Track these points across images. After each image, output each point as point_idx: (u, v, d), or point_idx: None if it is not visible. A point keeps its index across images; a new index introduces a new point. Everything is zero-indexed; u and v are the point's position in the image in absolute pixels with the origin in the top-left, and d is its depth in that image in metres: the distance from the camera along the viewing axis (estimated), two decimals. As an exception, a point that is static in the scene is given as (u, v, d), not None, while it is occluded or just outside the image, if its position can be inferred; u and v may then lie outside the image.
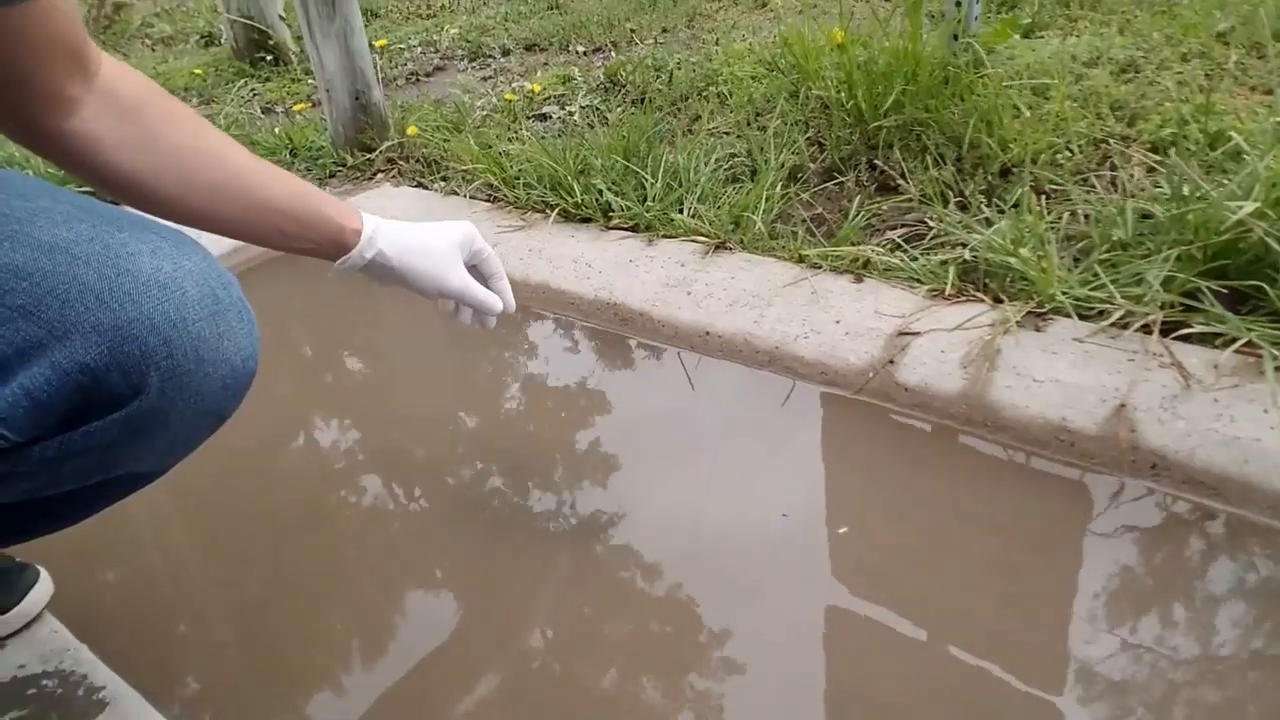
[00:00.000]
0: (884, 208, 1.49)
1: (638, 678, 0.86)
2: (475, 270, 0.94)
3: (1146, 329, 1.06)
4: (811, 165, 1.68)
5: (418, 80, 2.81)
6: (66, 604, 0.97)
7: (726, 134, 1.83)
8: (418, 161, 2.00)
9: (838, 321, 1.22)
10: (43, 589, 0.95)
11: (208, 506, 1.18)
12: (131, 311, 0.58)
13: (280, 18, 3.06)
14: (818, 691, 0.82)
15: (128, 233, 0.61)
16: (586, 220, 1.62)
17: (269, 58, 3.03)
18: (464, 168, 1.85)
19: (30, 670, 0.89)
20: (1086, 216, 1.30)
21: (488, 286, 0.94)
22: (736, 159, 1.71)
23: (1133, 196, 1.28)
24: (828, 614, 0.90)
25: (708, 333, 1.30)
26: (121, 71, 0.70)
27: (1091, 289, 1.12)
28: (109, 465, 0.66)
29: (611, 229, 1.57)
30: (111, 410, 0.60)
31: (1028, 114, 1.55)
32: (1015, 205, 1.31)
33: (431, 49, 3.04)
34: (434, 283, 0.88)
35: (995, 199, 1.40)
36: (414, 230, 0.87)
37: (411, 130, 2.03)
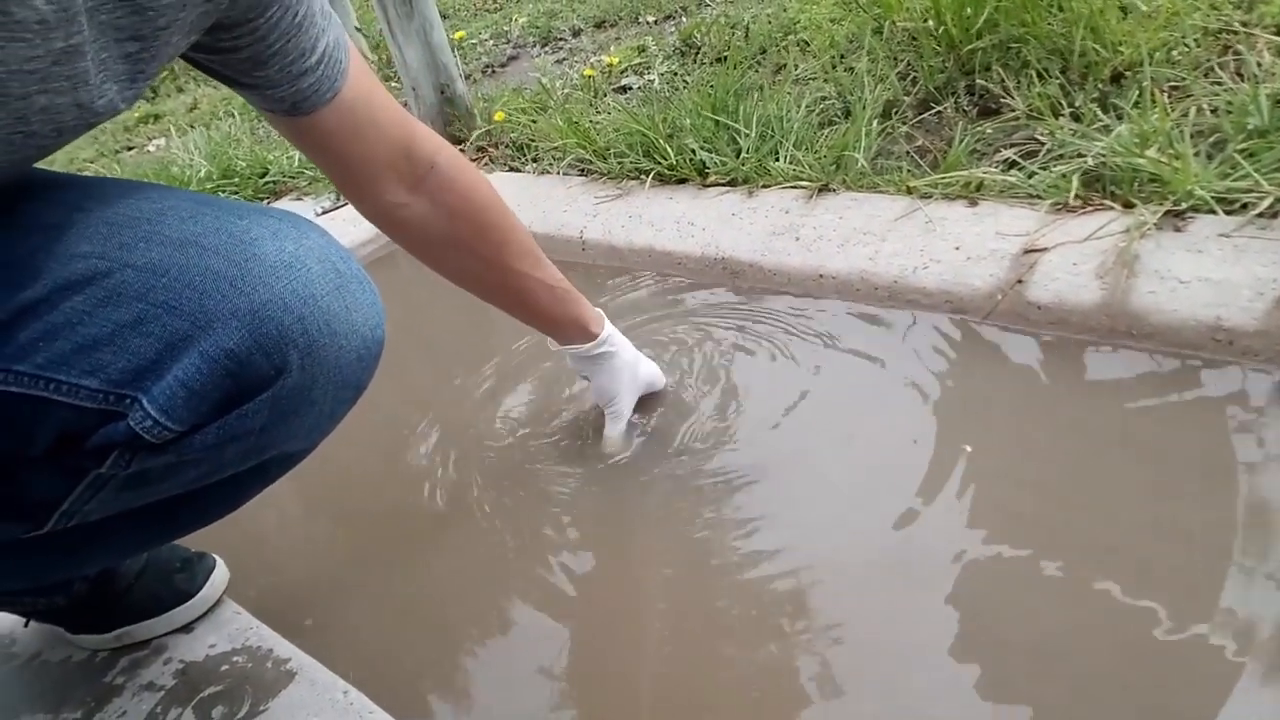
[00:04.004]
0: (989, 130, 1.44)
1: (769, 610, 0.86)
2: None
3: (1300, 214, 1.00)
4: (906, 99, 1.63)
5: (493, 72, 2.85)
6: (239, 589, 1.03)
7: (812, 79, 1.80)
8: (507, 146, 2.03)
9: (957, 248, 1.19)
10: (221, 574, 1.01)
11: (343, 497, 1.23)
12: (264, 294, 0.61)
13: (357, 29, 3.14)
14: (959, 629, 0.80)
15: (248, 219, 0.64)
16: (682, 181, 1.62)
17: (350, 69, 3.12)
18: (554, 146, 1.87)
19: (220, 649, 0.94)
20: (1215, 110, 1.23)
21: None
22: (827, 102, 1.67)
23: (1263, 82, 1.20)
24: (966, 545, 0.87)
25: (821, 275, 1.28)
26: (454, 175, 0.91)
27: (1233, 180, 1.06)
28: (264, 447, 0.70)
29: (709, 186, 1.57)
30: (260, 392, 0.63)
31: (1136, 12, 1.47)
32: (1136, 106, 1.25)
33: (503, 40, 3.08)
34: (617, 393, 1.11)
35: (1110, 105, 1.33)
36: (629, 351, 1.11)
37: (499, 116, 2.06)
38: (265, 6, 0.68)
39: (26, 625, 1.01)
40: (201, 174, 2.33)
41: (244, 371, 0.61)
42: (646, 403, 1.18)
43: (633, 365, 1.11)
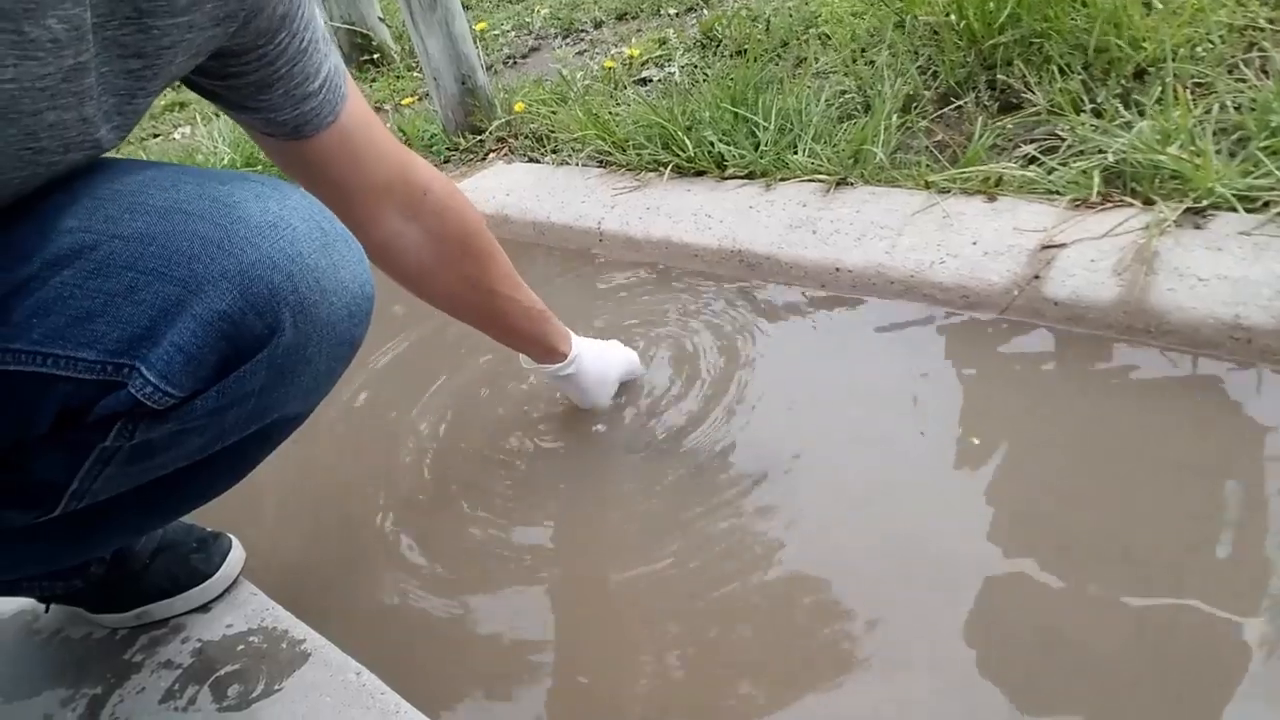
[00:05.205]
0: (1009, 125, 1.43)
1: (773, 603, 0.87)
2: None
3: (1323, 213, 0.99)
4: (926, 93, 1.62)
5: (514, 63, 2.86)
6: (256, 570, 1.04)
7: (833, 73, 1.79)
8: (527, 137, 2.04)
9: (974, 242, 1.19)
10: (237, 554, 1.02)
11: (356, 484, 1.24)
12: (252, 254, 0.61)
13: (380, 19, 3.16)
14: (966, 626, 0.79)
15: (229, 184, 0.65)
16: (701, 173, 1.62)
17: (374, 58, 3.14)
18: (573, 137, 1.88)
19: (237, 629, 0.96)
20: (1238, 107, 1.22)
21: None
22: (847, 96, 1.67)
23: (1289, 80, 1.19)
24: (972, 540, 0.87)
25: (837, 269, 1.28)
26: (447, 201, 0.93)
27: (1255, 178, 1.05)
28: (265, 409, 0.70)
29: (727, 179, 1.57)
30: (255, 352, 0.64)
31: (1160, 8, 1.45)
32: (1158, 102, 1.24)
33: (525, 31, 3.08)
34: (595, 397, 1.17)
35: (1132, 102, 1.32)
36: (600, 362, 1.15)
37: (519, 107, 2.07)
38: (275, 32, 0.69)
39: (47, 610, 1.03)
40: (225, 161, 2.35)
41: (238, 332, 0.62)
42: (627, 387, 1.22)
43: (602, 376, 1.16)
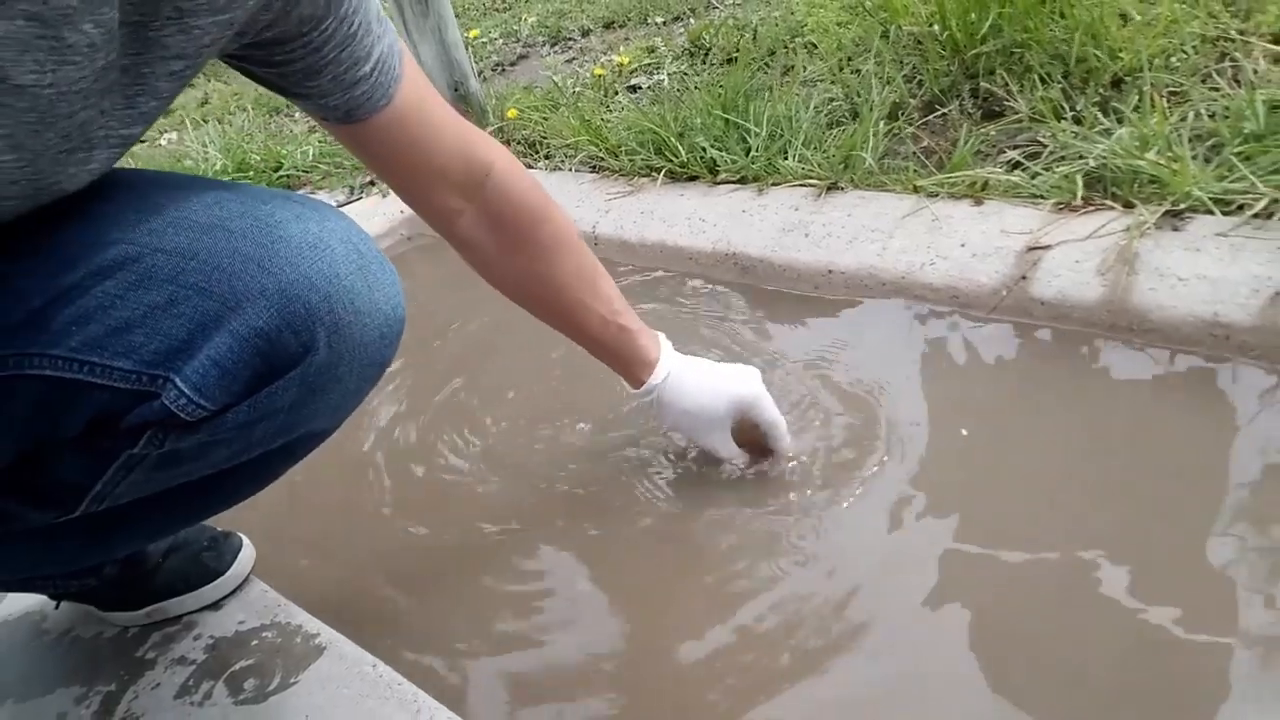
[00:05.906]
0: (993, 132, 1.47)
1: (762, 602, 0.90)
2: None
3: (1295, 215, 1.03)
4: (912, 101, 1.66)
5: (503, 70, 2.88)
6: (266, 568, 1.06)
7: (820, 81, 1.83)
8: (519, 144, 2.07)
9: (963, 245, 1.22)
10: (248, 553, 1.03)
11: (362, 476, 1.26)
12: (291, 274, 0.63)
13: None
14: (955, 623, 0.82)
15: (271, 204, 0.66)
16: (693, 178, 1.65)
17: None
18: (566, 143, 1.90)
19: (249, 625, 0.97)
20: (1212, 114, 1.26)
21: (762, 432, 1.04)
22: (834, 103, 1.71)
23: (1259, 88, 1.24)
24: (961, 537, 0.90)
25: (830, 271, 1.32)
26: (509, 182, 0.90)
27: (1230, 182, 1.09)
28: (293, 425, 0.72)
29: (719, 184, 1.60)
30: (289, 370, 0.65)
31: (1136, 19, 1.50)
32: (1135, 110, 1.28)
33: (513, 39, 3.11)
34: (692, 437, 1.06)
35: (1111, 109, 1.37)
36: (690, 392, 1.00)
37: (511, 113, 2.10)
38: (320, 20, 0.69)
39: (57, 607, 1.04)
40: (216, 167, 2.36)
41: (273, 349, 0.63)
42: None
43: (694, 412, 1.00)
